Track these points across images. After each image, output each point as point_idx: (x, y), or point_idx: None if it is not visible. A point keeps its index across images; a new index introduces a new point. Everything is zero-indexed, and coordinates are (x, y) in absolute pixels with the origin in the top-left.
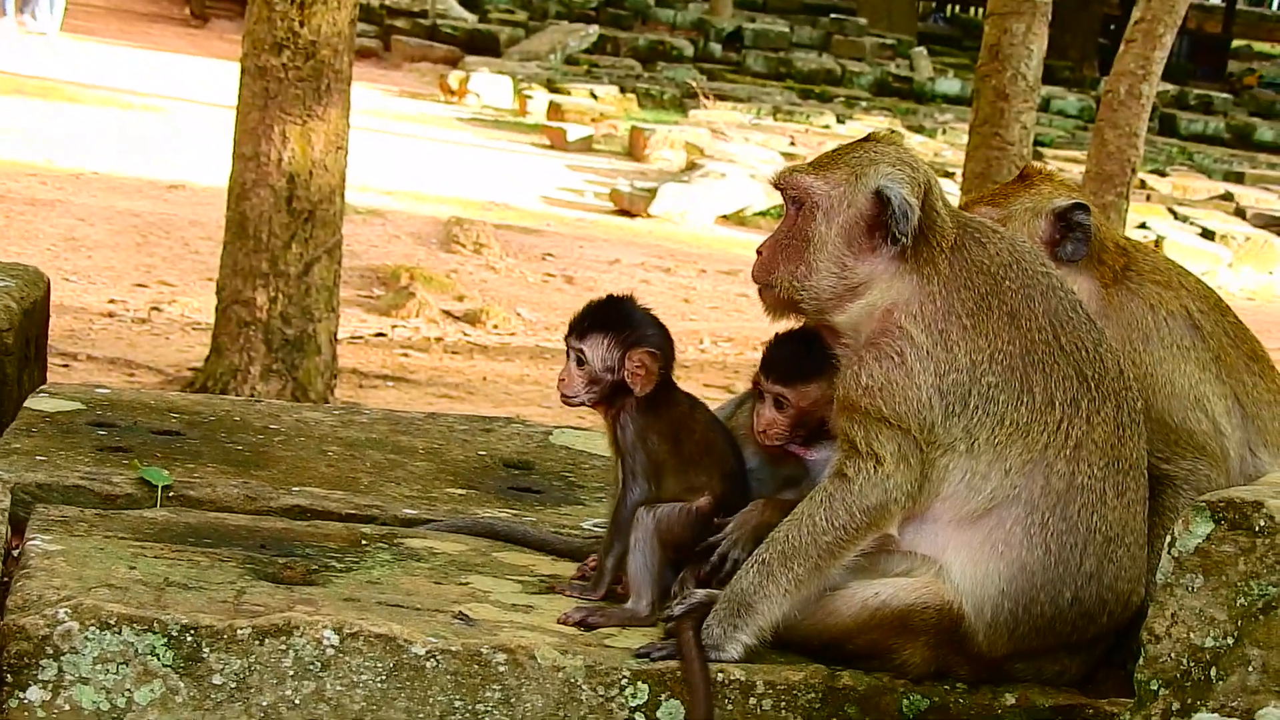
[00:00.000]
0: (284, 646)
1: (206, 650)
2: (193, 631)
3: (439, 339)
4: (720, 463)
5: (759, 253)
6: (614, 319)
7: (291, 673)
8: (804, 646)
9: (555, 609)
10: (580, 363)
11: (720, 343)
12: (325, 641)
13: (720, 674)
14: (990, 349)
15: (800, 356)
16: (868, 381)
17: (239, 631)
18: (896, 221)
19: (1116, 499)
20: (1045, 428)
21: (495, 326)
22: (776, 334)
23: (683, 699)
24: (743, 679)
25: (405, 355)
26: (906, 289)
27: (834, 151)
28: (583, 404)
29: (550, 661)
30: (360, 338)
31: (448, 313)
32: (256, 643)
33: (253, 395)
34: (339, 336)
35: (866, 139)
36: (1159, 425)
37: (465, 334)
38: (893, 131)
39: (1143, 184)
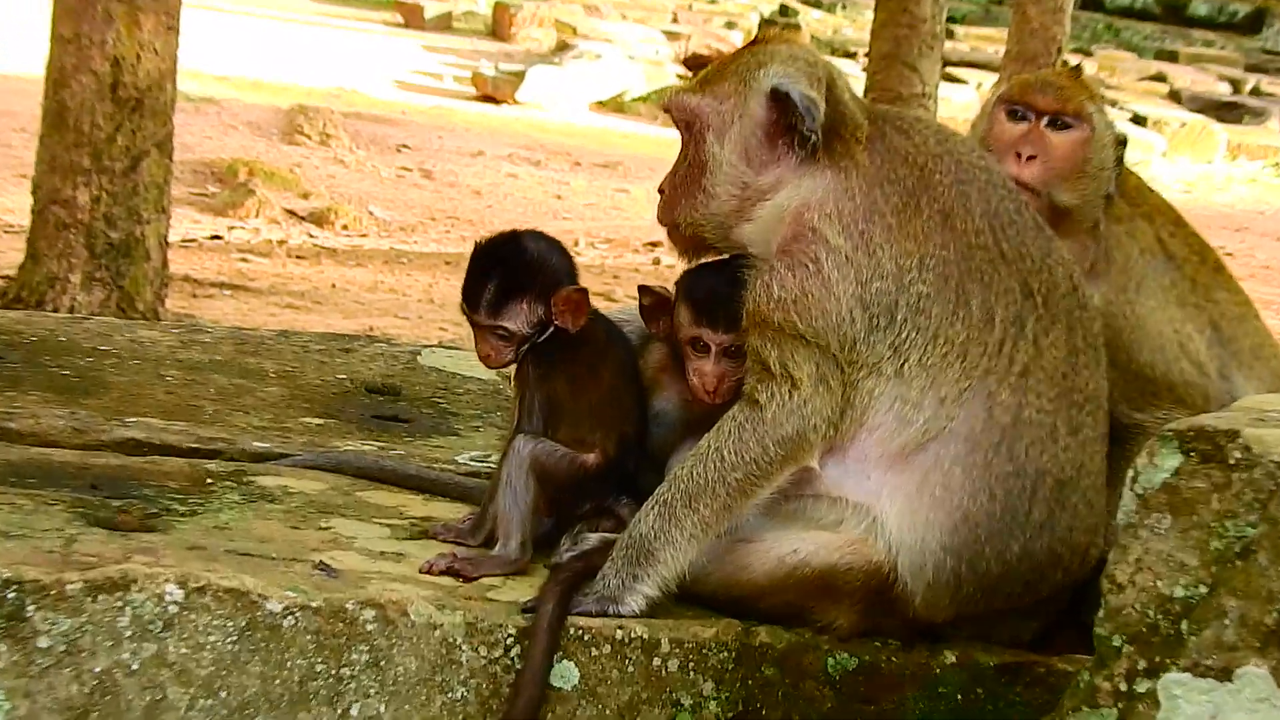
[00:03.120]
0: (120, 603)
1: (31, 608)
2: (16, 586)
3: (282, 242)
4: (621, 422)
5: (660, 191)
6: (521, 276)
7: (129, 634)
8: (712, 602)
9: (429, 557)
10: (503, 337)
11: (598, 244)
12: (167, 597)
13: (620, 630)
14: (920, 253)
15: (735, 295)
16: (780, 293)
17: (68, 586)
18: (802, 119)
19: (1070, 436)
20: (985, 350)
21: (345, 227)
22: (688, 278)
23: (576, 659)
24: (646, 636)
25: (244, 260)
26: (820, 186)
27: (720, 62)
28: (511, 363)
29: (425, 618)
30: (193, 241)
31: (291, 212)
32: (88, 599)
33: (73, 307)
34: (170, 240)
35: (754, 41)
36: (1138, 378)
37: (311, 236)
38: (785, 29)
39: (1066, 64)
